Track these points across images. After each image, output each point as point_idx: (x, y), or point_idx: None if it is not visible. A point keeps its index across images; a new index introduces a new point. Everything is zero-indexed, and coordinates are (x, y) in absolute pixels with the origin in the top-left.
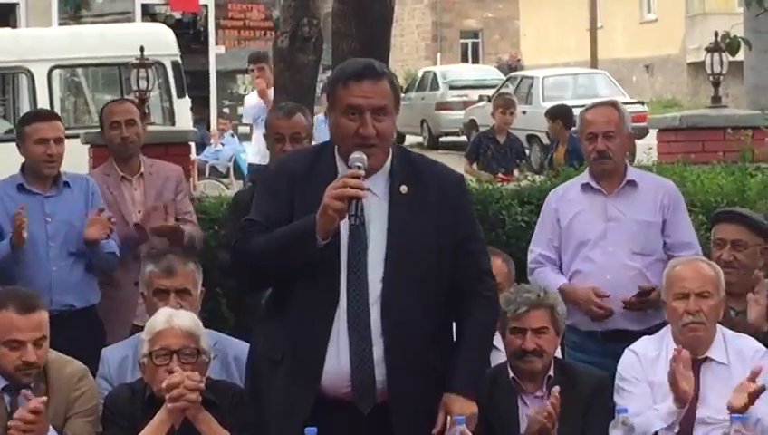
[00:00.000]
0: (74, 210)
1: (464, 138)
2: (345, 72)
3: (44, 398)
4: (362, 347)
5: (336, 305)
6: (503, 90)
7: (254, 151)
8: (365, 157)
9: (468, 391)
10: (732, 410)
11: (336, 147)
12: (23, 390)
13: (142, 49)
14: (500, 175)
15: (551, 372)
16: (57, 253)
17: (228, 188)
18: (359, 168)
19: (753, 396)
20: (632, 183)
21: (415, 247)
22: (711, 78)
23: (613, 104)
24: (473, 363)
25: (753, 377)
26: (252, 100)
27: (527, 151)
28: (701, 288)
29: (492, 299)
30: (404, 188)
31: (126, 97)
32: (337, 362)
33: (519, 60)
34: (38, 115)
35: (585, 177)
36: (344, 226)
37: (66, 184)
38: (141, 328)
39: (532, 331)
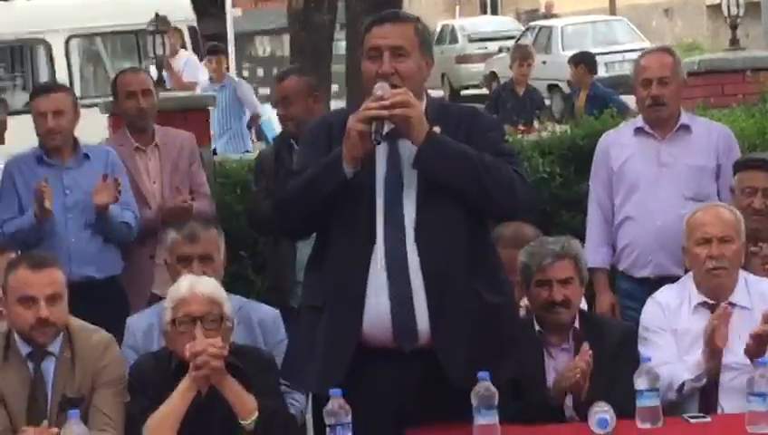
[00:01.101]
0: (93, 182)
1: (485, 90)
2: (370, 19)
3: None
4: (401, 286)
5: (373, 246)
6: (521, 41)
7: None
8: (387, 85)
9: (433, 133)
10: (750, 356)
11: None
12: None
13: (157, 15)
14: (520, 126)
15: (576, 324)
16: (75, 224)
17: (250, 151)
18: (380, 96)
19: (760, 338)
20: (686, 127)
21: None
22: (728, 20)
23: (667, 50)
24: (461, 147)
25: (766, 319)
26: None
27: (548, 101)
28: (723, 233)
29: (522, 177)
30: (437, 129)
31: (136, 66)
32: (376, 304)
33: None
34: (38, 89)
35: (639, 120)
36: (380, 168)
37: (86, 156)
38: (159, 297)
39: (558, 282)
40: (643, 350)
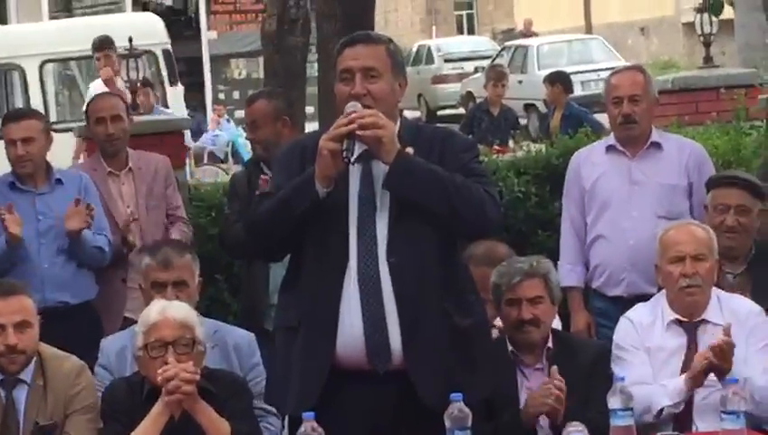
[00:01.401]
0: (66, 207)
1: (461, 110)
2: (342, 41)
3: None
4: (374, 306)
5: (346, 267)
6: (497, 60)
7: None
8: (359, 105)
9: (403, 153)
10: (715, 373)
11: None
12: None
13: (131, 39)
14: (495, 147)
15: (549, 344)
16: (49, 250)
17: (227, 173)
18: (351, 114)
19: (721, 351)
20: (657, 145)
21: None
22: (701, 38)
23: (638, 68)
24: (432, 168)
25: (726, 333)
26: (96, 88)
27: (524, 121)
28: (696, 251)
29: (494, 197)
30: (410, 150)
31: (108, 91)
32: (350, 325)
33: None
34: (9, 116)
35: (610, 138)
36: (354, 188)
37: (59, 181)
38: (132, 321)
39: (527, 300)
40: (617, 369)
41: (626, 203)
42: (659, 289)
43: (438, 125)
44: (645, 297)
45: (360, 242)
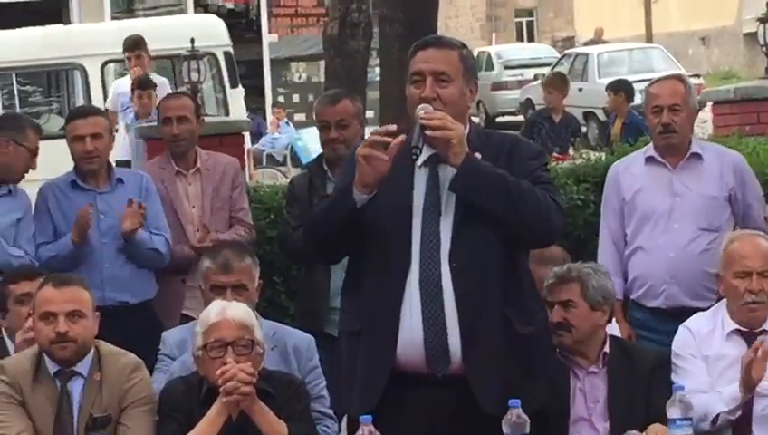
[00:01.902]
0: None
1: (521, 117)
2: (416, 44)
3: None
4: (434, 309)
5: (408, 271)
6: (557, 68)
7: (121, 145)
8: (429, 106)
9: (471, 156)
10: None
11: None
12: None
13: (193, 41)
14: (555, 154)
15: (606, 349)
16: (109, 249)
17: (285, 176)
18: (421, 115)
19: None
20: (697, 156)
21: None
22: (764, 49)
23: (679, 77)
24: (499, 172)
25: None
26: (123, 86)
27: (584, 129)
28: (763, 267)
29: (559, 205)
30: (478, 155)
31: (181, 91)
32: (410, 327)
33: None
34: (75, 112)
35: (649, 150)
36: (419, 192)
37: (120, 180)
38: (190, 318)
39: (559, 304)
40: (675, 377)
41: (667, 215)
42: (719, 298)
43: (506, 132)
44: (684, 310)
45: (423, 246)
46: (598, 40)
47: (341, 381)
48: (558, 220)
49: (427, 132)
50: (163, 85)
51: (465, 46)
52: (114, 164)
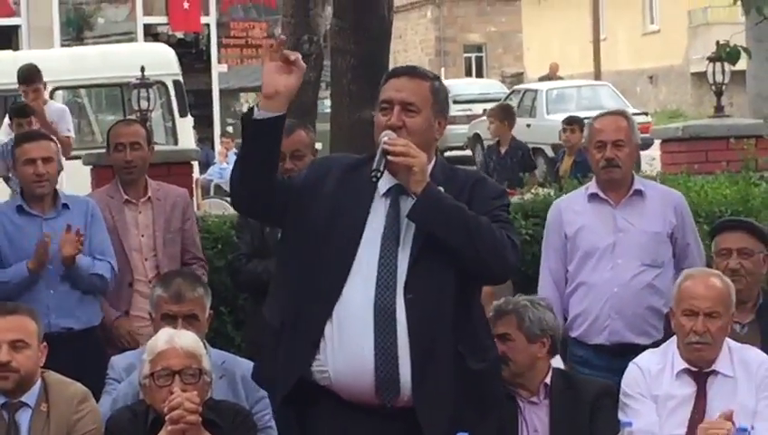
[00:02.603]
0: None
1: (468, 152)
2: (388, 72)
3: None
4: (387, 339)
5: (341, 289)
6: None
7: None
8: (393, 134)
9: (432, 186)
10: None
11: None
12: None
13: (143, 69)
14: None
15: (547, 380)
16: (54, 275)
17: (233, 207)
18: (385, 141)
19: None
20: (639, 193)
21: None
22: (713, 87)
23: (622, 113)
24: (458, 205)
25: (727, 418)
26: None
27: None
28: (711, 308)
29: (514, 243)
30: (440, 188)
31: (132, 118)
32: (360, 357)
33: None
34: (26, 136)
35: (592, 186)
36: (379, 221)
37: (65, 206)
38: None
39: (497, 337)
40: (623, 417)
41: (610, 251)
42: (666, 335)
43: (469, 168)
44: (628, 346)
45: (380, 275)
46: (552, 76)
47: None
48: (513, 258)
49: (389, 157)
50: (62, 112)
51: (438, 78)
52: None
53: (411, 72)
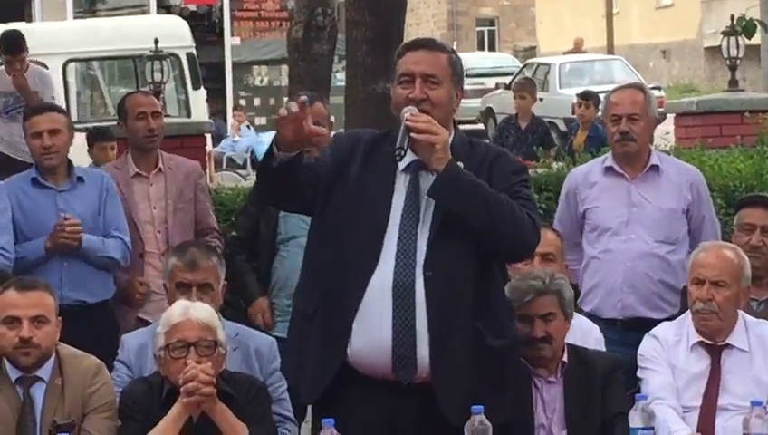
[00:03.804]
0: (87, 205)
1: (481, 126)
2: (405, 44)
3: None
4: (405, 316)
5: (372, 272)
6: (518, 78)
7: None
8: (415, 109)
9: (453, 164)
10: None
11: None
12: None
13: (156, 41)
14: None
15: (564, 358)
16: (68, 248)
17: (246, 180)
18: (406, 117)
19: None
20: (656, 168)
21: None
22: (728, 62)
23: (639, 87)
24: (479, 182)
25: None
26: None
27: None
28: (717, 277)
29: (534, 221)
30: (460, 163)
31: (145, 90)
32: (378, 334)
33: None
34: (33, 109)
35: (608, 159)
36: (399, 198)
37: (80, 179)
38: (146, 322)
39: (539, 317)
40: (641, 375)
41: (624, 226)
42: (681, 311)
43: (491, 144)
44: (641, 320)
45: (399, 252)
46: (577, 51)
47: (290, 359)
48: (532, 237)
49: (413, 135)
50: (45, 78)
51: (454, 51)
52: None
53: (429, 44)
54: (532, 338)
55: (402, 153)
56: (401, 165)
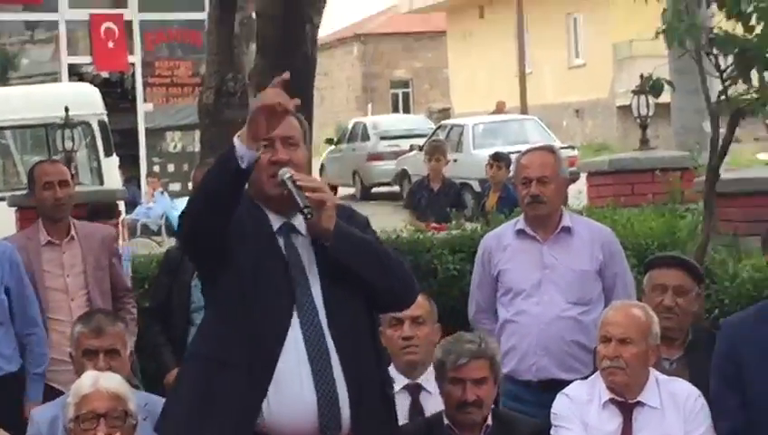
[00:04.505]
0: None
1: (396, 188)
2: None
3: None
4: (325, 378)
5: (284, 336)
6: (434, 138)
7: None
8: (293, 170)
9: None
10: None
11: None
12: None
13: (67, 109)
14: (432, 224)
15: (489, 422)
16: None
17: (160, 246)
18: (290, 177)
19: None
20: (567, 229)
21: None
22: (638, 120)
23: (549, 148)
24: (363, 236)
25: None
26: None
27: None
28: (623, 335)
29: (411, 276)
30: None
31: (55, 158)
32: (300, 398)
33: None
34: None
35: (520, 222)
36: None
37: None
38: (58, 391)
39: (472, 381)
40: (554, 433)
41: (536, 288)
42: (596, 370)
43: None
44: (555, 382)
45: (301, 313)
46: (499, 113)
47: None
48: (414, 281)
49: (308, 194)
50: None
51: (298, 115)
52: None
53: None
54: (463, 401)
55: (312, 211)
56: (274, 226)
